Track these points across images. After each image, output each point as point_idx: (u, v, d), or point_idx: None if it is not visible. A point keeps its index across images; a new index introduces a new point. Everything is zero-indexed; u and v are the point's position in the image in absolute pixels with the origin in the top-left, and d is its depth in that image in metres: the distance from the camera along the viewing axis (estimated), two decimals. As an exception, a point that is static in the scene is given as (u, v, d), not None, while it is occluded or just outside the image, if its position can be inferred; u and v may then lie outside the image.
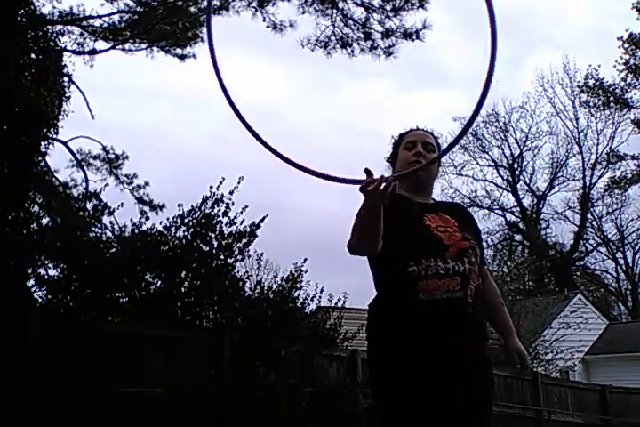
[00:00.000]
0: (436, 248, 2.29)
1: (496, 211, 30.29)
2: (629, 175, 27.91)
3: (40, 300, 6.29)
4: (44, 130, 7.51)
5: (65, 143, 10.62)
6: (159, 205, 12.08)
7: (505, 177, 30.49)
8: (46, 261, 6.33)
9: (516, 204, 30.54)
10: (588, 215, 29.54)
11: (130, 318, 6.33)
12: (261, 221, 7.17)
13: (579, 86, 27.26)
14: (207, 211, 6.98)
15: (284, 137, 36.91)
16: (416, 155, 2.49)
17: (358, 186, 1.96)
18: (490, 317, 2.52)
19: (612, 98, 25.32)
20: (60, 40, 8.49)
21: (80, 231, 6.54)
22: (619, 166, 28.45)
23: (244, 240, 7.09)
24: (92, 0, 10.67)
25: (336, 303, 8.11)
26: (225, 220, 7.01)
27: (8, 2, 7.31)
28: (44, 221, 7.06)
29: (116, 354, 5.86)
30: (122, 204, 7.19)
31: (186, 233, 6.85)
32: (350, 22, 9.45)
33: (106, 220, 6.98)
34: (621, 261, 29.90)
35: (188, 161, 31.32)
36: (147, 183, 12.32)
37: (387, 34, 9.30)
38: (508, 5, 35.10)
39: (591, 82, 25.98)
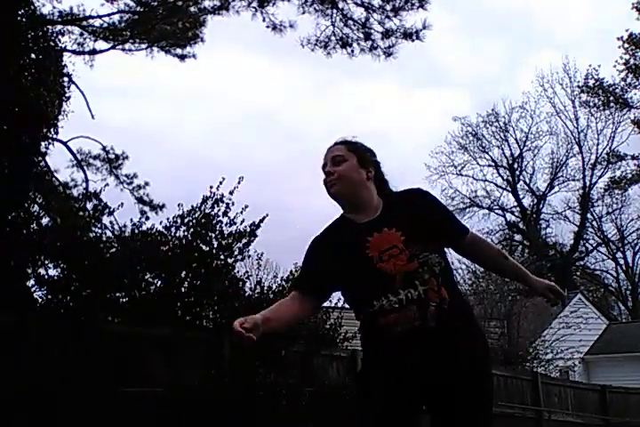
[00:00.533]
0: (382, 285, 2.24)
1: (496, 211, 30.34)
2: (629, 175, 27.93)
3: (40, 300, 6.29)
4: (44, 130, 7.51)
5: (65, 143, 10.63)
6: (159, 205, 12.10)
7: (505, 177, 30.54)
8: (46, 261, 6.32)
9: (516, 204, 30.59)
10: (588, 215, 29.58)
11: (130, 318, 6.33)
12: (261, 221, 7.17)
13: (579, 86, 27.31)
14: (207, 211, 6.98)
15: (283, 137, 36.93)
16: (327, 175, 2.44)
17: None
18: (501, 275, 2.53)
19: (612, 98, 25.32)
20: (60, 40, 8.51)
21: (80, 231, 6.54)
22: (619, 166, 28.53)
23: (244, 240, 7.09)
24: (92, 0, 10.68)
25: (336, 303, 8.10)
26: (225, 220, 7.01)
27: (8, 2, 7.31)
28: (44, 221, 7.06)
29: (116, 354, 5.86)
30: (122, 204, 7.19)
31: (186, 233, 6.85)
32: (350, 22, 9.46)
33: (106, 220, 6.98)
34: (621, 261, 29.97)
35: (188, 161, 31.37)
36: (147, 183, 12.34)
37: (387, 34, 9.31)
38: (508, 5, 35.18)
39: (591, 82, 26.00)
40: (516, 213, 30.80)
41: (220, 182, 7.04)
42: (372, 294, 2.25)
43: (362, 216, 2.39)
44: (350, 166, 2.42)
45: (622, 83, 23.83)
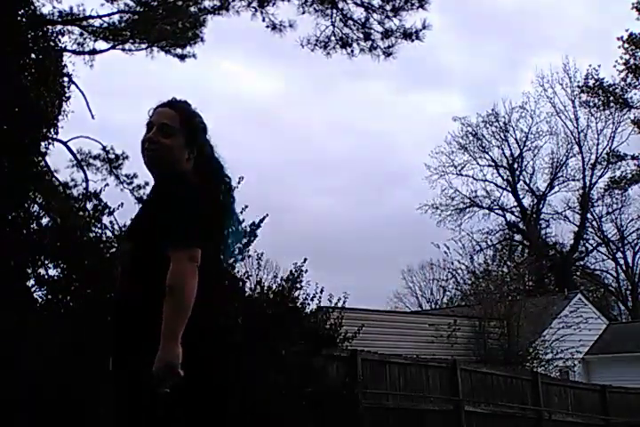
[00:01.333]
0: None
1: (496, 211, 30.33)
2: (629, 175, 27.94)
3: (40, 300, 6.29)
4: (44, 130, 7.51)
5: (65, 143, 10.62)
6: (159, 205, 12.07)
7: (505, 177, 30.54)
8: (46, 261, 6.32)
9: (516, 204, 30.58)
10: (588, 215, 29.56)
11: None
12: (261, 221, 7.17)
13: (579, 86, 27.31)
14: (207, 211, 6.98)
15: (283, 137, 36.95)
16: (149, 140, 2.20)
17: None
18: None
19: (612, 98, 25.34)
20: (59, 40, 8.51)
21: (80, 231, 6.54)
22: (619, 166, 28.53)
23: (244, 240, 7.09)
24: (92, 0, 10.69)
25: (336, 303, 8.11)
26: (225, 220, 7.00)
27: (8, 2, 7.31)
28: (44, 221, 7.06)
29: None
30: (122, 204, 7.19)
31: (186, 233, 6.84)
32: (350, 22, 9.45)
33: (106, 220, 6.97)
34: (621, 261, 29.95)
35: (187, 161, 31.34)
36: (147, 183, 12.29)
37: (386, 34, 9.30)
38: (508, 5, 35.19)
39: (591, 82, 26.02)
40: (516, 213, 30.82)
41: (220, 182, 7.03)
42: None
43: None
44: (176, 143, 2.21)
45: (622, 83, 23.88)
